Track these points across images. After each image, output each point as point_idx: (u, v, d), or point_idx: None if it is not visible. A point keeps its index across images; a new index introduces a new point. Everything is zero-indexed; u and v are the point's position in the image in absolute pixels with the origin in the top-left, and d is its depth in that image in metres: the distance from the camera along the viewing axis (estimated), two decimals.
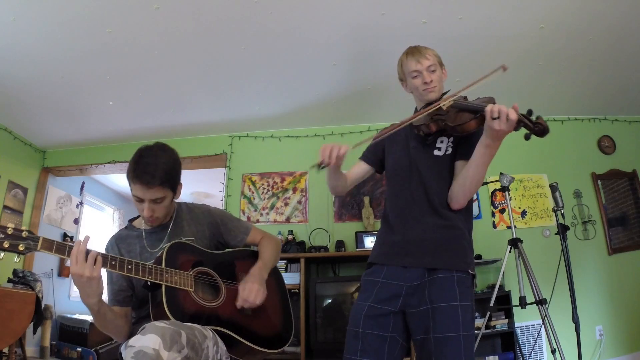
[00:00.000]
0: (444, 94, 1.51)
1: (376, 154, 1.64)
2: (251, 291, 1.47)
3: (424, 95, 1.49)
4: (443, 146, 1.46)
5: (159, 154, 1.47)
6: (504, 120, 1.19)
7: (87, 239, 1.24)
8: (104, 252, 1.53)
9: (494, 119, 1.20)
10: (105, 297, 1.34)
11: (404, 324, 1.36)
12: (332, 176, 1.53)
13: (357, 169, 1.65)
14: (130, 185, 1.45)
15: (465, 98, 1.44)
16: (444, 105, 1.38)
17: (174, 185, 1.51)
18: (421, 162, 1.46)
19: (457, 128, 1.34)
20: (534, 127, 1.20)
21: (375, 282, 1.41)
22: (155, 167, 1.42)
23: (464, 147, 1.43)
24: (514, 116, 1.19)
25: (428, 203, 1.41)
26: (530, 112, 1.22)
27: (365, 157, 1.67)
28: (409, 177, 1.46)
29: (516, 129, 1.22)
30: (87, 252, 1.22)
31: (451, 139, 1.46)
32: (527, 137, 1.23)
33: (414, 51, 1.51)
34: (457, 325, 1.26)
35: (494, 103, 1.28)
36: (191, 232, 1.58)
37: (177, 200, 1.65)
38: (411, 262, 1.37)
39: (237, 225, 1.71)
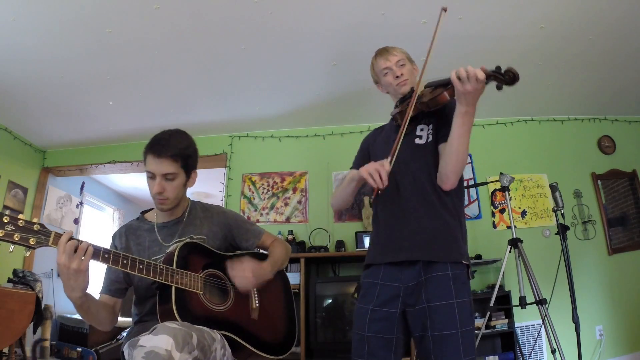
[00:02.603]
0: None
1: (365, 160, 1.61)
2: (242, 278, 1.47)
3: (398, 90, 1.53)
4: (424, 134, 1.47)
5: (174, 133, 1.52)
6: (473, 78, 1.17)
7: (70, 232, 1.20)
8: (110, 240, 1.53)
9: (459, 79, 1.19)
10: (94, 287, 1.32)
11: (405, 323, 1.37)
12: (352, 192, 1.55)
13: None
14: (145, 162, 1.47)
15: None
16: (419, 91, 1.42)
17: (187, 165, 1.51)
18: (404, 153, 1.44)
19: (430, 103, 1.35)
20: (504, 76, 1.17)
21: (374, 285, 1.41)
22: (168, 141, 1.46)
23: (443, 129, 1.42)
24: (480, 73, 1.17)
25: (418, 192, 1.41)
26: (498, 68, 1.19)
27: (356, 165, 1.66)
28: (393, 171, 1.43)
29: (487, 82, 1.20)
30: (78, 242, 1.18)
31: (430, 125, 1.46)
32: (498, 88, 1.19)
33: (381, 51, 1.58)
34: (454, 323, 1.27)
35: None
36: (204, 231, 1.58)
37: (191, 199, 1.66)
38: (406, 257, 1.36)
39: (250, 228, 1.71)
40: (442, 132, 1.42)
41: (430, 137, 1.46)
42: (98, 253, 1.22)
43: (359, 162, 1.66)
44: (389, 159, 1.33)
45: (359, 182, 1.50)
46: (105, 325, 1.43)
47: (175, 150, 1.46)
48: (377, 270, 1.43)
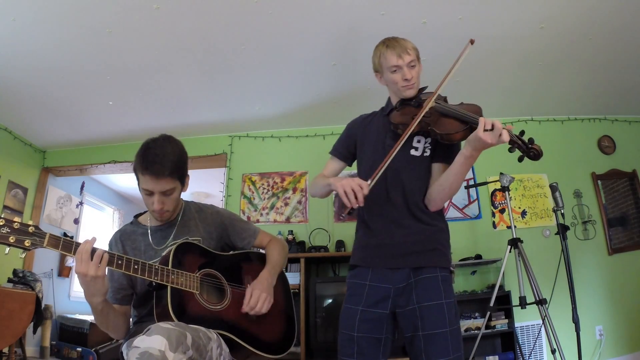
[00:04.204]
0: (420, 89, 1.49)
1: (348, 149, 1.62)
2: (259, 299, 1.47)
3: (402, 92, 1.47)
4: (420, 146, 1.45)
5: (165, 144, 1.46)
6: (497, 136, 1.19)
7: (94, 239, 1.23)
8: (107, 247, 1.52)
9: (486, 130, 1.19)
10: None
11: (394, 323, 1.41)
12: (325, 195, 1.55)
13: (333, 168, 1.63)
14: (139, 178, 1.44)
15: (445, 99, 1.45)
16: (428, 107, 1.38)
17: (182, 176, 1.50)
18: (398, 161, 1.41)
19: (444, 137, 1.34)
20: (529, 151, 1.22)
21: (362, 285, 1.42)
22: (164, 157, 1.41)
23: (442, 149, 1.43)
24: (506, 137, 1.19)
25: (406, 205, 1.42)
26: (522, 133, 1.24)
27: (337, 153, 1.64)
28: (385, 177, 1.42)
29: (511, 150, 1.25)
30: (93, 250, 1.21)
31: (428, 139, 1.45)
32: (520, 160, 1.26)
33: (394, 44, 1.45)
34: (444, 322, 1.32)
35: (481, 113, 1.29)
36: (199, 232, 1.58)
37: (185, 199, 1.65)
38: (396, 264, 1.39)
39: (245, 227, 1.70)
40: (439, 152, 1.44)
41: (427, 151, 1.45)
42: (112, 259, 1.25)
43: (339, 150, 1.63)
44: (370, 182, 1.31)
45: (333, 191, 1.45)
46: (121, 333, 1.45)
47: (173, 166, 1.43)
48: (364, 272, 1.44)
